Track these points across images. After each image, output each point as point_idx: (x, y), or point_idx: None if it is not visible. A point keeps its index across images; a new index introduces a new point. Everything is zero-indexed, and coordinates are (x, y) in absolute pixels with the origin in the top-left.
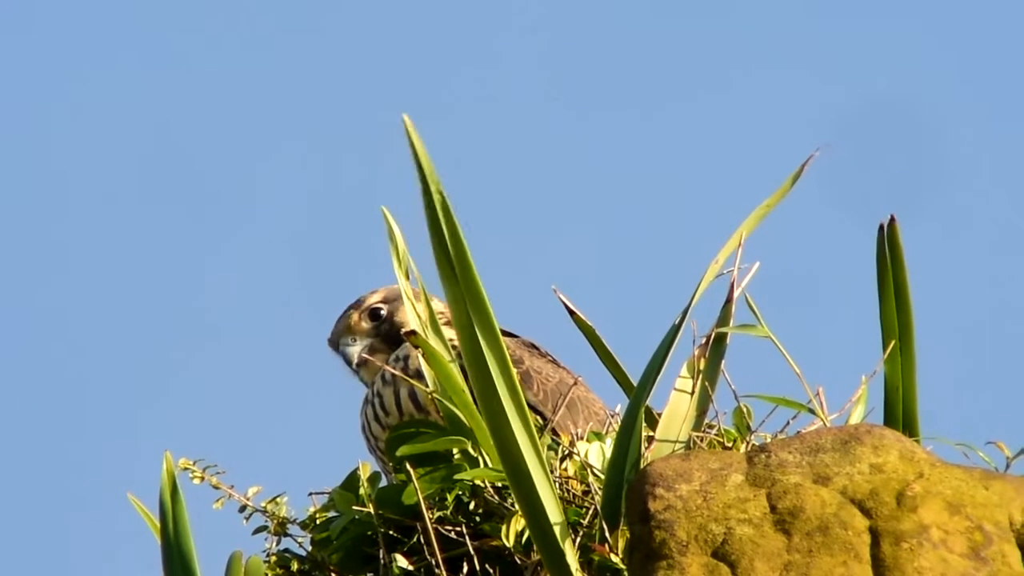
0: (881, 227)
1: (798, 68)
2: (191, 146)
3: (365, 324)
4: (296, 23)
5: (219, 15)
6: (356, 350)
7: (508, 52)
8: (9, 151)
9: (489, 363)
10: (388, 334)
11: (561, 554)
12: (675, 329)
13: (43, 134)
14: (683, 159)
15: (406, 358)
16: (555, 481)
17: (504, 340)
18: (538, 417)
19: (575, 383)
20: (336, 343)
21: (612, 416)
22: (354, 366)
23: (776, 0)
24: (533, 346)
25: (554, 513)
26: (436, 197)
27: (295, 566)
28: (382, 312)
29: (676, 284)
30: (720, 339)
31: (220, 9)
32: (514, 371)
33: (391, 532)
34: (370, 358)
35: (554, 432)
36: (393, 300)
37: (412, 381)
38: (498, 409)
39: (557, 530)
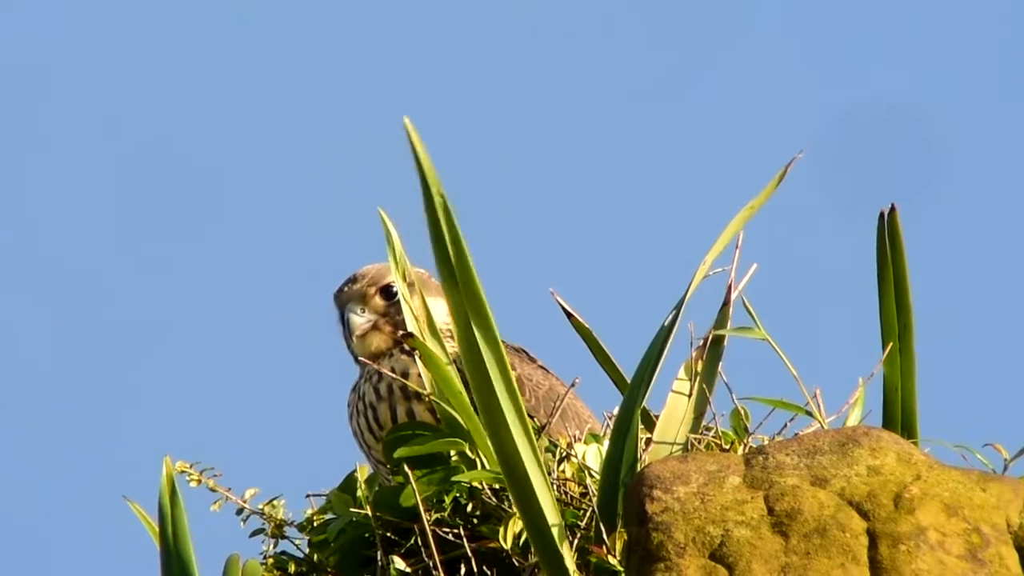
0: (881, 215)
1: (797, 67)
2: (190, 145)
3: (378, 300)
4: (296, 20)
5: (220, 13)
6: (360, 321)
7: (501, 51)
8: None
9: (488, 367)
10: (395, 317)
11: (559, 556)
12: (666, 330)
13: (36, 134)
14: (683, 158)
15: (404, 374)
16: (553, 483)
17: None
18: (533, 422)
19: (571, 387)
20: (343, 305)
21: (608, 418)
22: (356, 336)
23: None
24: (523, 351)
25: (551, 515)
26: (437, 200)
27: (292, 568)
28: (394, 290)
29: (677, 286)
30: (717, 341)
31: (221, 7)
32: (513, 375)
33: (389, 534)
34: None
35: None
36: (409, 284)
37: (416, 387)
38: (497, 412)
39: (555, 532)
